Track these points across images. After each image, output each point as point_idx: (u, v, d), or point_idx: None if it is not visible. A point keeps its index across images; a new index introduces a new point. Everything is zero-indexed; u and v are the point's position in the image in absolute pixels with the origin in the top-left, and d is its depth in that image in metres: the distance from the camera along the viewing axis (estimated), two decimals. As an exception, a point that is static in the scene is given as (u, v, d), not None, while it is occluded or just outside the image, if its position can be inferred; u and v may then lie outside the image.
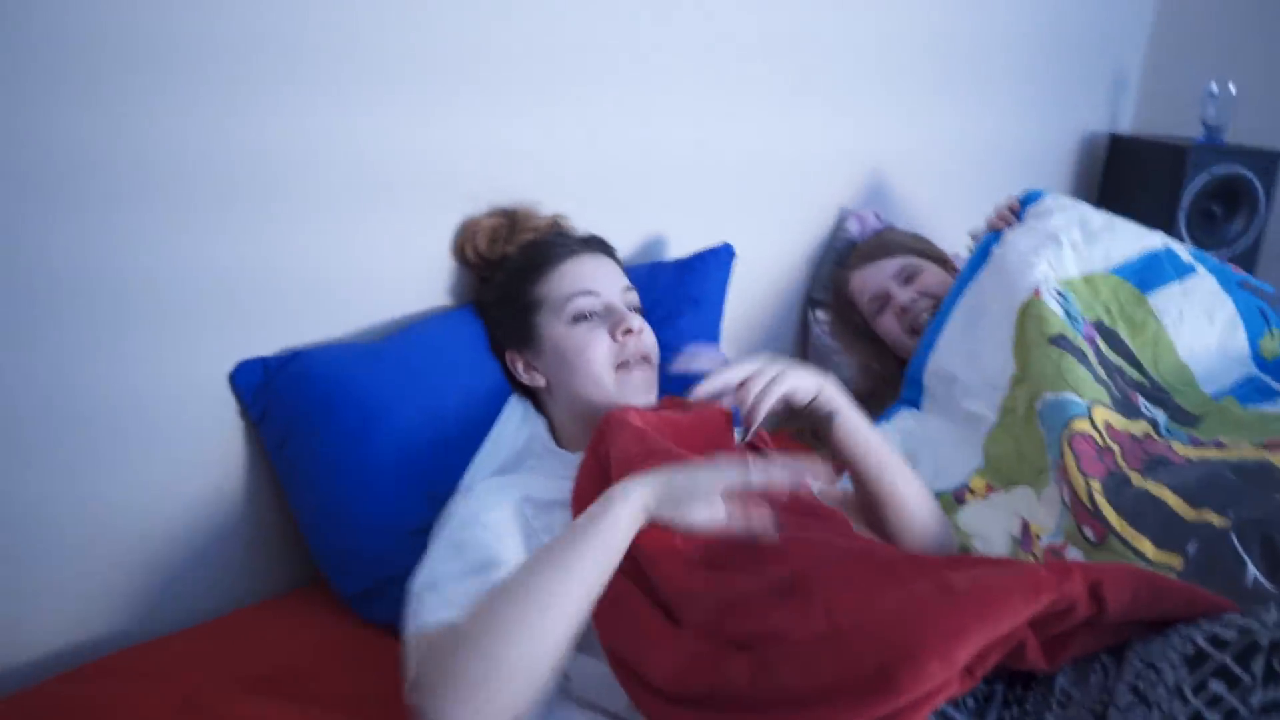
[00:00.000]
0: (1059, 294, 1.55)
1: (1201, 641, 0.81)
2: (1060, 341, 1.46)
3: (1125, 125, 2.74)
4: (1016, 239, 1.68)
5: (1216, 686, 0.78)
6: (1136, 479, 1.27)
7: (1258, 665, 0.77)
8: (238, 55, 1.12)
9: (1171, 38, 2.67)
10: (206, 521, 1.23)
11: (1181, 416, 1.51)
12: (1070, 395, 1.38)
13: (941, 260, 1.90)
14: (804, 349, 2.05)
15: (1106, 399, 1.41)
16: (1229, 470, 1.26)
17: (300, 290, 1.25)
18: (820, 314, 1.99)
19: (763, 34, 1.74)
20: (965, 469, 1.52)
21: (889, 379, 1.86)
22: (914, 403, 1.70)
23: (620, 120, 1.57)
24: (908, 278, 1.82)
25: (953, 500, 1.48)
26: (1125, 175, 2.56)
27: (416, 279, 1.38)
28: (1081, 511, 1.25)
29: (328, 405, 1.19)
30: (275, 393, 1.20)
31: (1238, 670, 0.78)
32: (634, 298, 1.32)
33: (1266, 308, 1.66)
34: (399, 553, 1.18)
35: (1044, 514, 1.34)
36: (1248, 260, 2.40)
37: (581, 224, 1.45)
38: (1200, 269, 1.67)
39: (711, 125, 1.71)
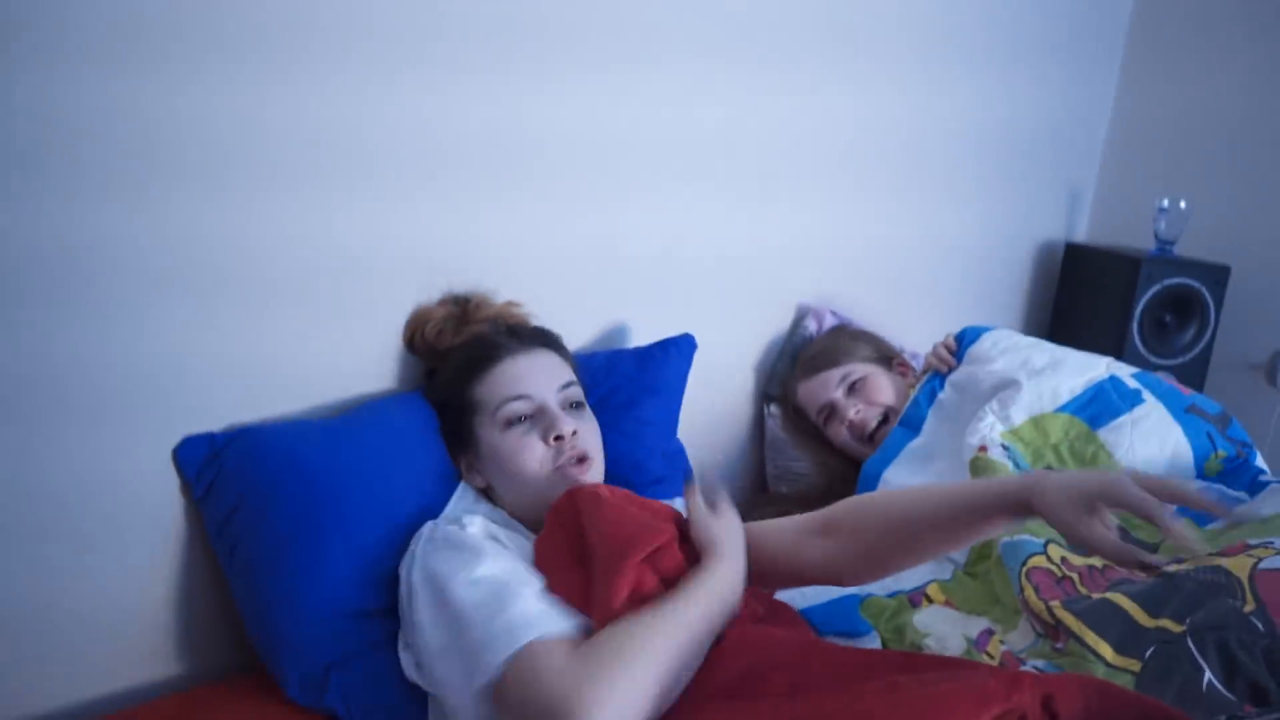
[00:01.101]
0: (1004, 447, 1.59)
1: None
2: None
3: (1081, 234, 2.82)
4: (960, 389, 1.73)
5: None
6: (1097, 596, 1.28)
7: None
8: (201, 145, 1.14)
9: (1124, 153, 2.77)
10: (142, 603, 1.20)
11: (1140, 547, 1.51)
12: (1025, 536, 1.40)
13: (888, 360, 1.93)
14: (760, 440, 2.06)
15: (1060, 539, 1.42)
16: (1188, 581, 1.26)
17: (250, 369, 1.24)
18: (774, 409, 2.01)
19: (728, 130, 1.78)
20: (925, 577, 1.53)
21: (844, 475, 1.88)
22: None
23: (583, 211, 1.59)
24: (852, 387, 1.85)
25: (908, 602, 1.48)
26: (1081, 282, 2.62)
27: (368, 362, 1.37)
28: (1049, 628, 1.27)
29: (275, 482, 1.17)
30: (221, 469, 1.18)
31: None
32: (574, 393, 1.29)
33: (1213, 430, 1.66)
34: (342, 638, 1.16)
35: (1011, 635, 1.36)
36: (1199, 368, 2.45)
37: (543, 311, 1.46)
38: (1148, 396, 1.68)
39: (675, 218, 1.74)
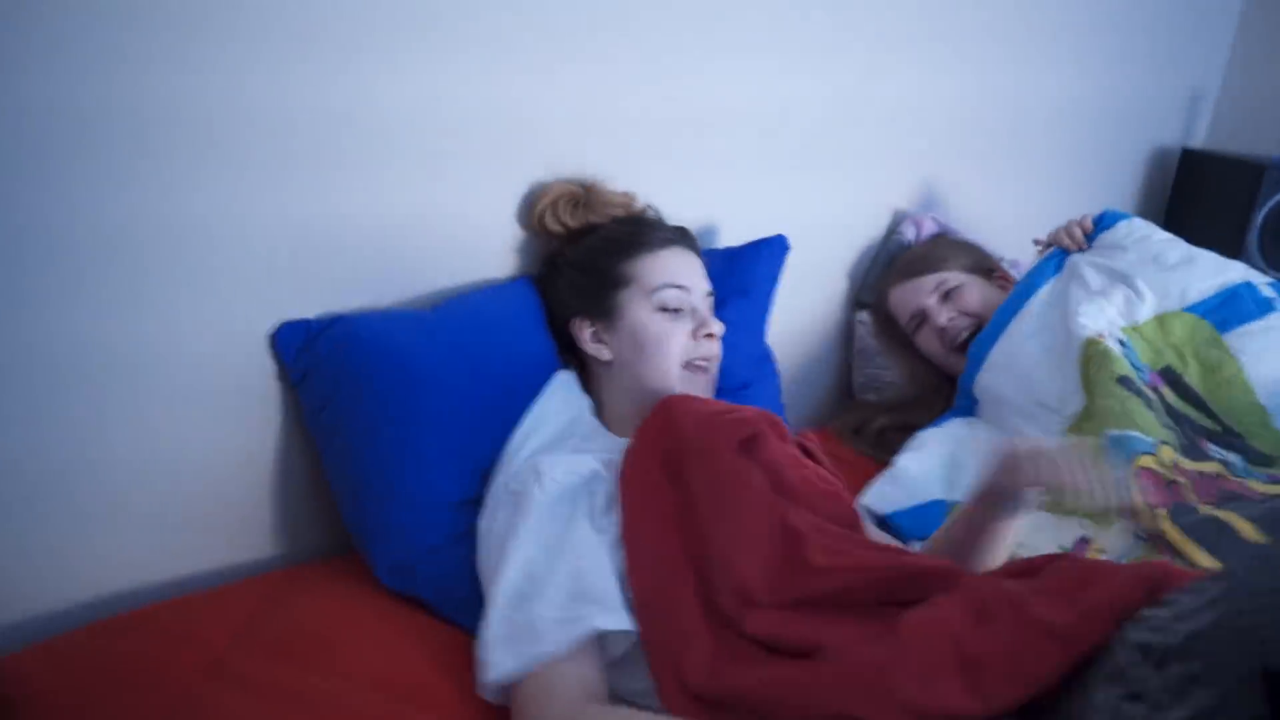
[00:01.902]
0: (1121, 343, 1.52)
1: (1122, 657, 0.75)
2: (1126, 383, 1.43)
3: (1200, 139, 2.65)
4: (1085, 272, 1.64)
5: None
6: (1206, 509, 1.23)
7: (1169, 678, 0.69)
8: (297, 12, 1.11)
9: (1253, 51, 2.58)
10: (238, 483, 1.22)
11: (1258, 459, 1.45)
12: (1135, 433, 1.34)
13: (988, 272, 1.85)
14: (849, 347, 2.02)
15: (1174, 441, 1.36)
16: None
17: (345, 256, 1.23)
18: (865, 315, 1.95)
19: (836, 11, 1.69)
20: None
21: (934, 386, 1.83)
22: (968, 411, 1.67)
23: (679, 104, 1.53)
24: (945, 295, 1.78)
25: None
26: (1195, 191, 2.48)
27: (469, 248, 1.36)
28: (1146, 533, 1.23)
29: (371, 371, 1.17)
30: (317, 356, 1.19)
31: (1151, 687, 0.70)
32: (712, 302, 1.33)
33: None
34: (437, 525, 1.17)
35: (1104, 539, 1.31)
36: (1321, 284, 2.32)
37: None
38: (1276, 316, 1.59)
39: (775, 119, 1.67)
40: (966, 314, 1.76)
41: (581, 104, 1.40)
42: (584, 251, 1.32)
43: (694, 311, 1.28)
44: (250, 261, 1.15)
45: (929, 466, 1.57)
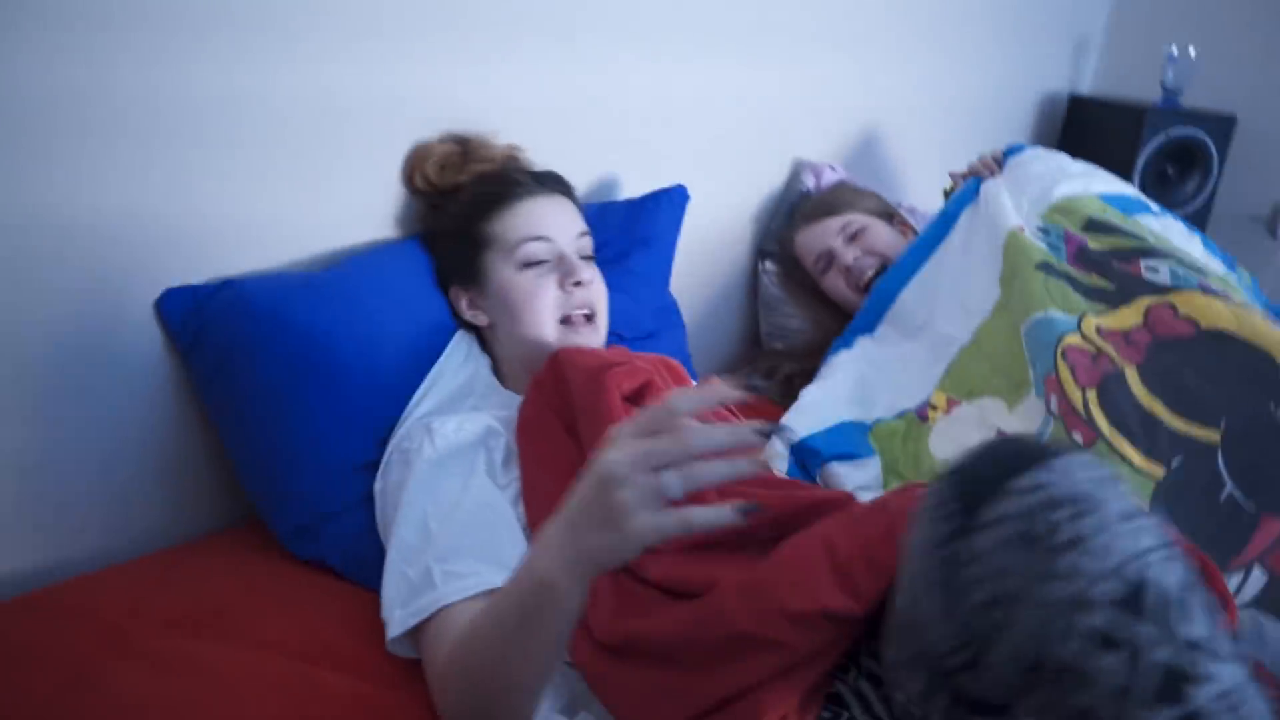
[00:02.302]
0: (1041, 230, 1.59)
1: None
2: (1045, 268, 1.50)
3: (1086, 86, 2.73)
4: (1001, 189, 1.71)
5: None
6: (1132, 375, 1.29)
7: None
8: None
9: (1135, 1, 2.67)
10: (130, 456, 1.18)
11: (1196, 266, 1.51)
12: (1056, 313, 1.41)
13: (890, 216, 1.89)
14: (754, 297, 2.04)
15: (1100, 306, 1.43)
16: (1233, 366, 1.27)
17: (232, 220, 1.19)
18: (770, 265, 1.97)
19: None
20: (927, 385, 1.53)
21: (839, 331, 1.86)
22: (869, 329, 1.71)
23: (578, 59, 1.52)
24: (852, 235, 1.81)
25: (916, 418, 1.49)
26: (1083, 135, 2.56)
27: (358, 208, 1.32)
28: (1073, 418, 1.28)
29: (265, 335, 1.14)
30: (207, 322, 1.15)
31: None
32: (587, 244, 1.27)
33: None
34: (338, 488, 1.16)
35: (1020, 423, 1.36)
36: (1199, 220, 2.42)
37: (535, 159, 1.41)
38: (1170, 219, 1.69)
39: (670, 69, 1.67)
40: (872, 253, 1.79)
41: (475, 51, 1.38)
42: (448, 216, 1.29)
43: (560, 260, 1.22)
44: (130, 230, 1.11)
45: (837, 393, 1.60)
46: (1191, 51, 2.36)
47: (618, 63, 1.58)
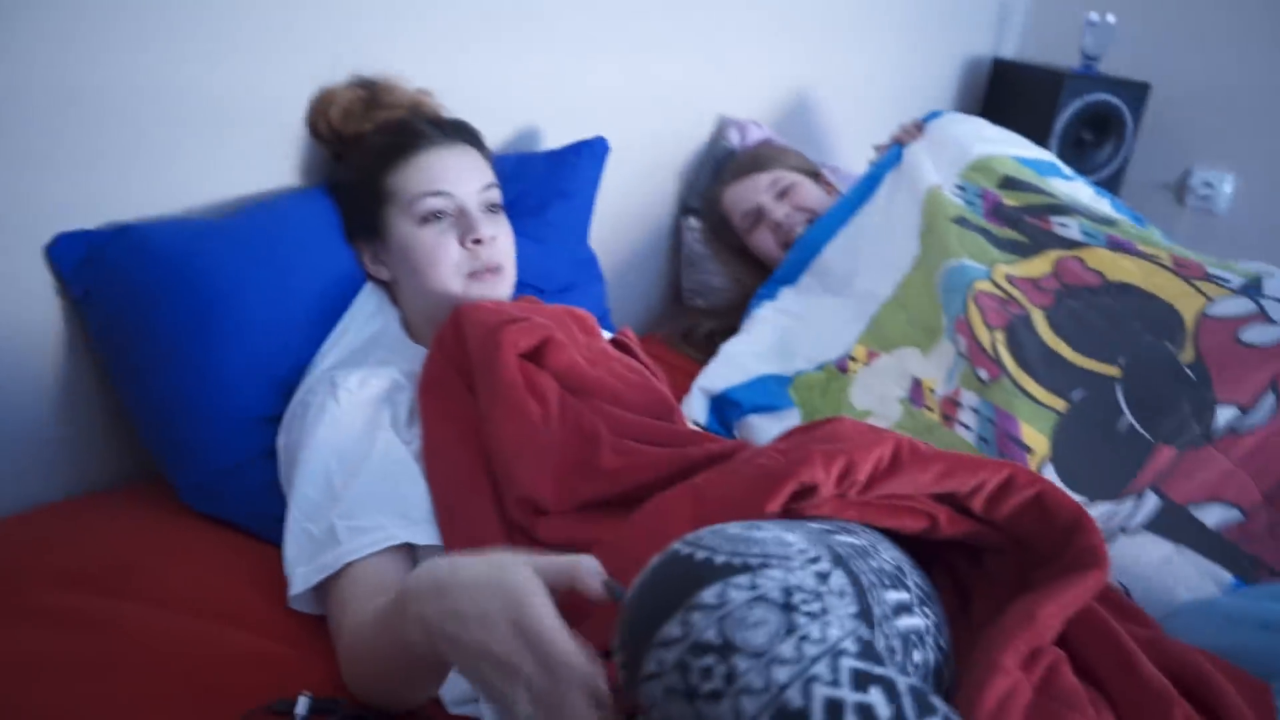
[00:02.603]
0: (959, 187, 1.63)
1: None
2: (961, 222, 1.55)
3: (1010, 50, 2.77)
4: (921, 147, 1.74)
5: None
6: (1039, 317, 1.35)
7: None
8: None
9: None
10: (20, 407, 1.13)
11: (1105, 220, 1.56)
12: (969, 261, 1.46)
13: (815, 175, 1.90)
14: (676, 253, 2.03)
15: (1012, 257, 1.48)
16: (1134, 311, 1.32)
17: (125, 164, 1.14)
18: (693, 221, 1.97)
19: None
20: (848, 339, 1.56)
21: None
22: (791, 279, 1.72)
23: (500, 11, 1.48)
24: (781, 192, 1.81)
25: (836, 370, 1.52)
26: (1006, 99, 2.59)
27: (261, 154, 1.27)
28: (980, 356, 1.33)
29: (166, 283, 1.09)
30: (101, 270, 1.10)
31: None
32: (494, 195, 1.22)
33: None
34: (241, 442, 1.13)
35: (934, 368, 1.41)
36: (1112, 186, 2.48)
37: (452, 106, 1.37)
38: (1080, 182, 1.74)
39: (595, 24, 1.64)
40: (802, 209, 1.80)
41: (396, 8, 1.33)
42: (349, 168, 1.24)
43: (461, 215, 1.18)
44: (19, 171, 1.05)
45: (757, 347, 1.62)
46: (1110, 18, 2.40)
47: (542, 16, 1.55)
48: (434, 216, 1.17)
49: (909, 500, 0.83)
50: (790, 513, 0.79)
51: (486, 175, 1.23)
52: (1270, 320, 1.25)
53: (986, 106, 2.64)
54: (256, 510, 1.11)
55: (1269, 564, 1.10)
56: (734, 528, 0.66)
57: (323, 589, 0.93)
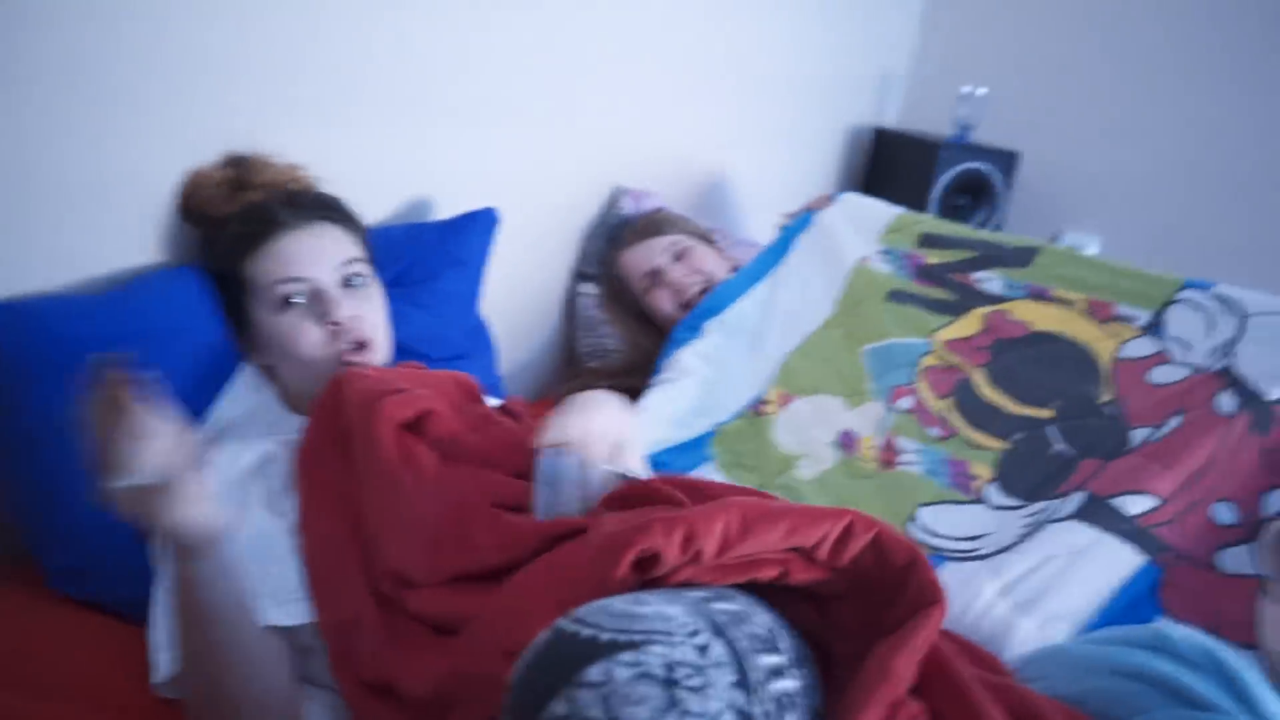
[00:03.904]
0: (884, 253, 1.73)
1: None
2: (896, 296, 1.66)
3: (891, 120, 2.90)
4: (835, 213, 1.84)
5: None
6: (980, 377, 1.51)
7: None
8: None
9: (935, 43, 2.86)
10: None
11: (1018, 258, 1.63)
12: (903, 339, 1.58)
13: (708, 240, 1.96)
14: (571, 319, 2.06)
15: (945, 318, 1.59)
16: (1061, 359, 1.48)
17: (5, 231, 1.12)
18: (589, 287, 2.00)
19: (535, 34, 1.73)
20: (759, 384, 1.65)
21: (659, 351, 1.90)
22: (715, 313, 1.78)
23: (388, 76, 1.50)
24: (678, 255, 1.87)
25: (753, 415, 1.59)
26: (887, 166, 2.71)
27: (138, 232, 1.26)
28: (930, 418, 1.49)
29: (32, 361, 1.07)
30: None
31: None
32: (356, 269, 1.20)
33: None
34: (108, 528, 1.08)
35: (862, 421, 1.53)
36: (989, 250, 2.60)
37: (339, 180, 1.36)
38: None
39: (488, 95, 1.67)
40: (699, 273, 1.85)
41: (266, 61, 1.33)
42: (213, 260, 1.22)
43: (317, 298, 1.15)
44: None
45: (681, 403, 1.65)
46: (980, 91, 2.54)
47: (436, 90, 1.58)
48: (288, 303, 1.15)
49: (762, 553, 0.86)
50: (653, 580, 0.81)
51: (346, 250, 1.21)
52: (1172, 361, 1.41)
53: (870, 173, 2.76)
54: (124, 595, 1.08)
55: (1175, 548, 1.21)
56: (619, 603, 0.68)
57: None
